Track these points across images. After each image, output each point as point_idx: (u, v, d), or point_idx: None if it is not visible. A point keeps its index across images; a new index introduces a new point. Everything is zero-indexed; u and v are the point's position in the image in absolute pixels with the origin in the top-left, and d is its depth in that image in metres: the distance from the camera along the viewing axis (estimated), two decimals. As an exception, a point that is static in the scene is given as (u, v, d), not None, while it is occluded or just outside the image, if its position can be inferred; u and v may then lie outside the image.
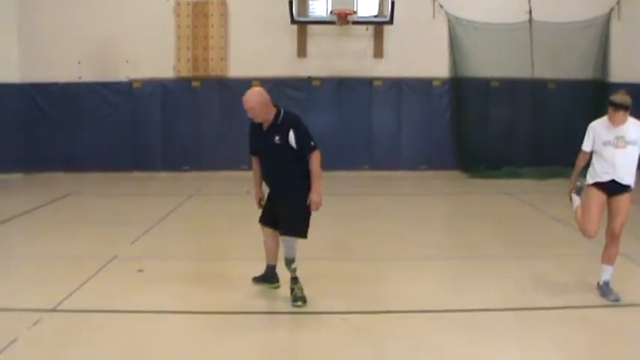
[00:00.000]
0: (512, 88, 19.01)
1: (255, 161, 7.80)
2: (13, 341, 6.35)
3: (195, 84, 19.07)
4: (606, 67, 19.02)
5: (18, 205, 14.06)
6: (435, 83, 19.32)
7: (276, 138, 7.33)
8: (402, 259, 9.79)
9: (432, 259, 9.96)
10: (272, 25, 18.45)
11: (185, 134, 18.96)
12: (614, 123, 7.34)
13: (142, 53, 18.68)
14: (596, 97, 17.21)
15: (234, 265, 9.41)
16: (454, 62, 19.14)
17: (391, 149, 19.34)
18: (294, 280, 7.64)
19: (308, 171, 7.43)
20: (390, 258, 9.86)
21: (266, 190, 7.81)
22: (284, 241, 7.58)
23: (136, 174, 18.86)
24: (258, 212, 7.92)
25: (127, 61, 18.78)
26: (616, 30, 19.06)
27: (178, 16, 18.75)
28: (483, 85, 19.07)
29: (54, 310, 7.30)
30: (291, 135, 7.29)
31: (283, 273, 7.74)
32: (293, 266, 7.59)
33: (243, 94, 7.33)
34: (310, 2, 18.54)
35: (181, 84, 19.03)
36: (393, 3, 17.50)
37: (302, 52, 19.04)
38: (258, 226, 7.94)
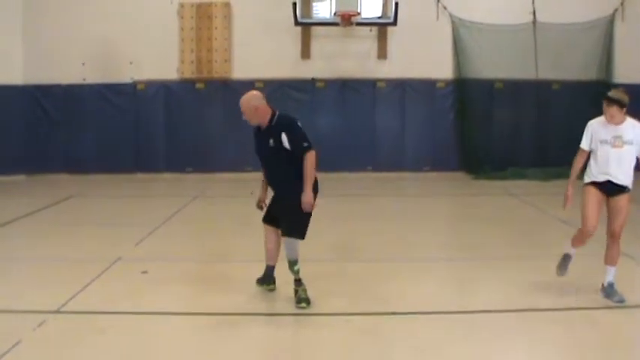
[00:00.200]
0: (516, 89, 18.99)
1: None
2: (17, 343, 6.34)
3: (198, 86, 19.08)
4: (610, 67, 19.00)
5: (21, 207, 14.07)
6: (438, 84, 19.31)
7: (270, 141, 7.40)
8: (405, 261, 9.77)
9: (436, 260, 9.95)
10: (276, 26, 18.45)
11: (189, 136, 18.97)
12: (609, 119, 7.37)
13: (146, 55, 18.71)
14: (600, 98, 17.03)
15: (237, 266, 9.41)
16: (458, 63, 19.13)
17: (395, 150, 19.33)
18: (298, 281, 7.63)
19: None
20: (393, 259, 9.85)
21: (271, 192, 7.85)
22: (284, 242, 7.61)
23: (140, 175, 18.88)
24: (262, 214, 7.95)
25: (131, 63, 18.81)
26: (620, 31, 19.03)
27: (182, 18, 18.77)
28: (487, 86, 19.06)
29: (58, 312, 7.30)
30: (284, 137, 7.33)
31: (286, 274, 7.73)
32: (295, 268, 7.59)
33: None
34: (314, 4, 18.54)
35: (185, 86, 19.05)
36: (396, 4, 17.48)
37: (306, 53, 19.05)
38: (262, 228, 7.97)
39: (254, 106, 7.45)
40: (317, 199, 7.52)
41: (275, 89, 18.08)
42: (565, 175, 7.90)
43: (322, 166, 18.00)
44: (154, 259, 9.72)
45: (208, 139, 18.89)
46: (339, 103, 19.24)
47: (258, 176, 8.04)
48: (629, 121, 7.42)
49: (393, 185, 17.81)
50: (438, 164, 19.28)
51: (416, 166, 19.24)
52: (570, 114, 17.90)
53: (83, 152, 18.83)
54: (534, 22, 18.78)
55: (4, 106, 18.39)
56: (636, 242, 9.56)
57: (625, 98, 7.34)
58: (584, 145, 7.60)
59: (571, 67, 18.55)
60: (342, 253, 10.36)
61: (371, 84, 19.22)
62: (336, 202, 14.99)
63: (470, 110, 19.14)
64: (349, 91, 19.20)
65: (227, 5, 18.79)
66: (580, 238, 7.65)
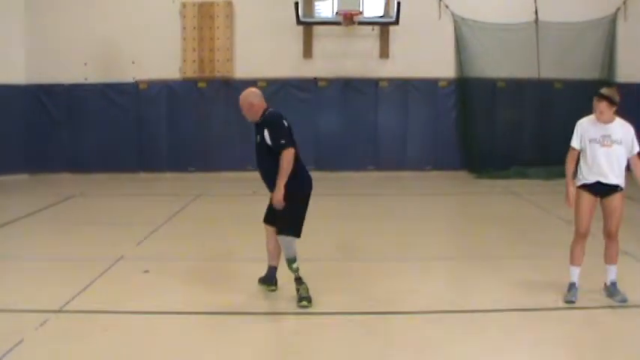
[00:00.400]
0: (519, 88, 18.95)
1: None
2: (20, 342, 6.36)
3: (201, 85, 19.08)
4: (613, 67, 18.97)
5: (23, 206, 14.09)
6: (441, 84, 19.28)
7: (258, 137, 7.58)
8: (408, 260, 9.78)
9: (438, 259, 9.95)
10: (278, 26, 18.44)
11: (191, 135, 18.97)
12: (598, 115, 7.42)
13: (148, 54, 18.70)
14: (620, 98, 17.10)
15: (239, 266, 9.43)
16: (460, 63, 19.09)
17: (397, 150, 19.31)
18: (299, 280, 7.65)
19: (297, 170, 7.52)
20: (396, 258, 9.86)
21: None
22: (280, 240, 7.66)
23: (142, 175, 18.89)
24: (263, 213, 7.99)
25: (133, 62, 18.80)
26: (622, 30, 19.00)
27: (184, 17, 18.76)
28: (489, 85, 19.02)
29: (60, 311, 7.32)
30: (266, 134, 7.46)
31: (288, 273, 7.72)
32: (294, 266, 7.61)
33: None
34: (316, 3, 18.55)
35: (187, 85, 19.04)
36: (398, 3, 17.45)
37: (308, 52, 19.03)
38: (264, 227, 7.98)
39: (250, 102, 7.69)
40: (309, 196, 7.68)
41: (277, 89, 18.09)
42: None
43: (324, 165, 18.22)
44: (156, 259, 9.74)
45: (210, 138, 18.89)
46: (341, 103, 19.22)
47: (260, 175, 8.07)
48: (619, 120, 7.49)
49: (395, 184, 17.79)
50: (441, 163, 19.26)
51: (418, 165, 19.22)
52: (573, 113, 17.49)
53: (85, 152, 18.83)
54: (537, 21, 18.74)
55: (7, 105, 18.38)
56: (636, 241, 9.56)
57: (616, 96, 7.39)
58: (575, 143, 7.64)
59: (573, 66, 18.50)
60: (344, 253, 10.36)
61: (373, 83, 19.20)
62: (338, 202, 15.01)
63: (472, 109, 19.10)
64: (351, 90, 19.18)
65: (229, 4, 18.78)
66: (576, 241, 7.66)
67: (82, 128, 18.83)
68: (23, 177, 18.54)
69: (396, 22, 17.83)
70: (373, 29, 18.81)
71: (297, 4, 17.43)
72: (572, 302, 7.47)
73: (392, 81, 19.15)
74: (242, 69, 18.75)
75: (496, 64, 18.73)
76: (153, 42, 18.59)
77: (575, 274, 7.61)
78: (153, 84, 19.01)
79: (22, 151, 18.62)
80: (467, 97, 19.13)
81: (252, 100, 7.69)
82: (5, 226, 12.24)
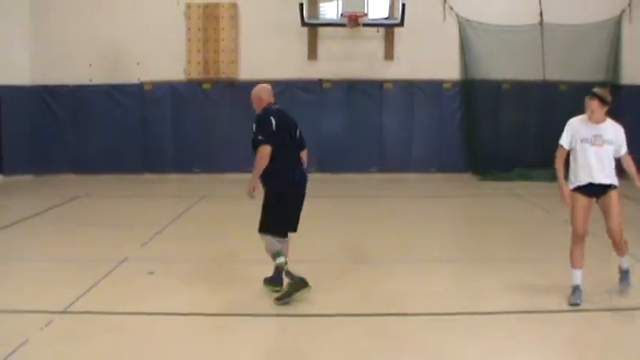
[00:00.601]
0: (523, 90, 18.96)
1: None
2: (24, 343, 6.37)
3: (205, 86, 19.12)
4: (618, 69, 18.96)
5: (28, 207, 14.12)
6: (445, 85, 19.29)
7: (252, 133, 7.84)
8: (412, 262, 9.78)
9: (442, 261, 9.95)
10: (282, 27, 18.47)
11: (196, 136, 19.01)
12: (589, 114, 7.48)
13: (153, 55, 18.74)
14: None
15: (244, 267, 9.42)
16: (465, 64, 19.11)
17: (402, 151, 19.32)
18: (287, 275, 7.74)
19: (274, 169, 7.72)
20: (400, 260, 9.86)
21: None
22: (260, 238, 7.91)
23: (147, 176, 18.92)
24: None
25: (138, 64, 18.84)
26: (627, 32, 18.98)
27: (189, 18, 18.80)
28: (494, 87, 19.03)
29: (65, 312, 7.33)
30: (253, 128, 7.80)
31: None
32: (277, 262, 7.79)
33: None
34: (321, 5, 18.59)
35: (192, 86, 19.08)
36: (403, 5, 17.47)
37: (312, 54, 19.06)
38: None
39: (259, 97, 8.12)
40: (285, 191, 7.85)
41: (282, 90, 18.04)
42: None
43: (329, 166, 18.23)
44: (161, 260, 9.76)
45: (215, 139, 18.89)
46: (346, 104, 19.24)
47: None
48: (610, 121, 7.54)
49: (399, 186, 17.80)
50: (445, 165, 19.26)
51: (422, 168, 19.22)
52: (577, 115, 17.84)
53: (90, 152, 18.88)
54: (541, 23, 18.74)
55: (12, 106, 18.43)
56: (636, 241, 9.54)
57: (607, 96, 7.45)
58: (564, 142, 7.67)
59: (578, 68, 18.47)
60: (347, 254, 10.35)
61: (378, 85, 19.22)
62: (342, 204, 15.03)
63: (476, 111, 19.12)
64: (356, 92, 19.19)
65: (234, 6, 18.82)
66: (575, 243, 7.66)
67: (87, 129, 18.88)
68: (28, 178, 18.59)
69: (401, 23, 17.85)
70: (378, 31, 18.83)
71: (301, 5, 17.45)
72: (577, 305, 7.46)
73: (396, 83, 19.17)
74: (247, 70, 18.77)
75: (501, 66, 18.75)
76: (158, 43, 18.63)
77: (577, 276, 7.61)
78: (158, 85, 19.04)
79: (27, 152, 18.68)
80: (471, 99, 19.14)
81: (262, 95, 8.09)
82: (10, 226, 12.27)
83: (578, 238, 7.60)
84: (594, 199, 7.55)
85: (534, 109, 19.06)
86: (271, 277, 8.07)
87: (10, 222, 12.55)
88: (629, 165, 7.56)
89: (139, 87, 19.08)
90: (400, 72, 19.00)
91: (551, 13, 18.60)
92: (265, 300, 7.84)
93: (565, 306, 7.50)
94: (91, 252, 10.27)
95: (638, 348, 6.51)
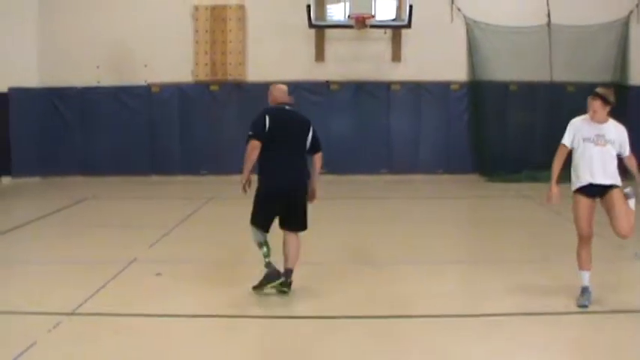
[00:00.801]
0: (531, 91, 18.95)
1: None
2: (33, 344, 6.38)
3: (213, 88, 19.14)
4: (625, 70, 18.94)
5: (36, 209, 14.17)
6: (453, 87, 19.29)
7: None
8: (417, 263, 9.76)
9: (449, 263, 9.95)
10: (290, 29, 18.48)
11: (203, 138, 19.03)
12: (591, 114, 7.44)
13: (161, 57, 18.78)
14: (615, 100, 17.03)
15: (252, 268, 9.41)
16: (472, 66, 19.11)
17: (409, 153, 19.31)
18: (266, 264, 8.00)
19: (267, 168, 8.03)
20: (406, 262, 9.84)
21: None
22: None
23: (154, 178, 18.95)
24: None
25: (146, 66, 18.88)
26: (635, 33, 18.94)
27: (196, 20, 18.83)
28: (502, 88, 19.02)
29: (73, 314, 7.34)
30: None
31: (301, 279, 7.73)
32: (261, 252, 8.00)
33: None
34: (328, 6, 18.56)
35: (199, 88, 19.11)
36: (411, 6, 17.45)
37: (320, 56, 19.07)
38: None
39: (271, 94, 8.49)
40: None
41: (289, 92, 18.06)
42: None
43: (336, 168, 18.21)
44: (169, 261, 9.77)
45: (223, 141, 18.87)
46: (353, 106, 19.25)
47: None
48: (612, 121, 7.53)
49: (406, 188, 17.78)
50: (452, 167, 19.25)
51: (430, 169, 19.21)
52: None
53: (98, 154, 18.92)
54: (549, 24, 18.72)
55: (20, 108, 18.51)
56: (636, 241, 9.51)
57: (610, 96, 7.44)
58: (566, 141, 7.62)
59: (586, 69, 18.43)
60: (353, 255, 10.35)
61: (385, 86, 19.21)
62: (350, 205, 15.02)
63: (484, 112, 19.12)
64: (363, 93, 19.20)
65: (241, 8, 18.84)
66: (581, 245, 7.64)
67: (95, 131, 18.92)
68: (36, 180, 18.64)
69: (409, 25, 17.83)
70: (385, 32, 18.83)
71: (309, 7, 17.45)
72: (586, 306, 7.43)
73: (404, 84, 19.17)
74: (254, 72, 18.79)
75: (508, 67, 18.73)
76: (165, 45, 18.66)
77: (585, 278, 7.58)
78: (165, 87, 19.08)
79: (35, 154, 18.72)
80: (479, 101, 19.13)
81: (274, 93, 8.47)
82: (18, 228, 12.30)
83: (583, 240, 7.58)
84: (597, 200, 7.51)
85: (542, 110, 19.02)
86: (265, 274, 8.07)
87: (18, 224, 12.58)
88: (633, 165, 7.54)
89: (147, 89, 19.12)
90: (407, 73, 18.99)
91: (559, 14, 18.57)
92: (274, 301, 7.85)
93: (572, 308, 7.47)
94: (99, 253, 10.29)
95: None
